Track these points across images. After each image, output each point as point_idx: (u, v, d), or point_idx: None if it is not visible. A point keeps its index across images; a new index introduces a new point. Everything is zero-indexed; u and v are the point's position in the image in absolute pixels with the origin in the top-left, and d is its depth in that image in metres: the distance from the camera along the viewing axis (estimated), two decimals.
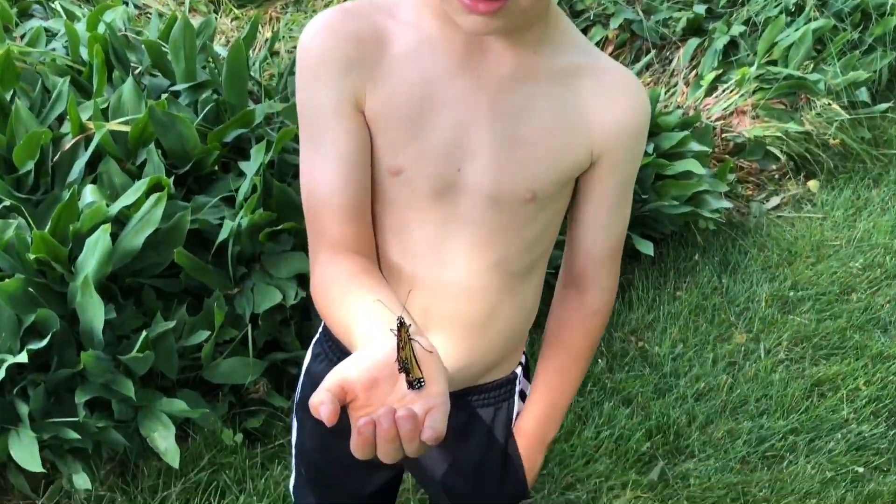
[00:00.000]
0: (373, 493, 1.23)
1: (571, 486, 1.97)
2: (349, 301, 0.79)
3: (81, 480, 1.77)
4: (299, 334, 2.11)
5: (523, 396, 1.14)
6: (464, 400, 1.08)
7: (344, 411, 0.64)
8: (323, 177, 0.87)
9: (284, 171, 2.24)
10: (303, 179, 0.90)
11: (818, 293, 2.76)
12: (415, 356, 0.68)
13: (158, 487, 1.87)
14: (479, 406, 1.09)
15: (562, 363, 1.07)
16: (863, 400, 2.30)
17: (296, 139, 2.27)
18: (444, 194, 0.89)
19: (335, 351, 1.11)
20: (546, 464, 1.98)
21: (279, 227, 1.96)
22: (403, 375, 0.66)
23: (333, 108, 0.86)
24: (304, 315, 2.14)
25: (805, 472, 2.06)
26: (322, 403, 0.60)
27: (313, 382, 1.14)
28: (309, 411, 0.61)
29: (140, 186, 1.95)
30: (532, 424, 1.10)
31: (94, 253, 1.80)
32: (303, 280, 2.06)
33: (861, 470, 2.08)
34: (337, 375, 0.64)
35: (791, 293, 2.74)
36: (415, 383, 0.65)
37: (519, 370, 1.13)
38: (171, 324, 1.86)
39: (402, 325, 0.70)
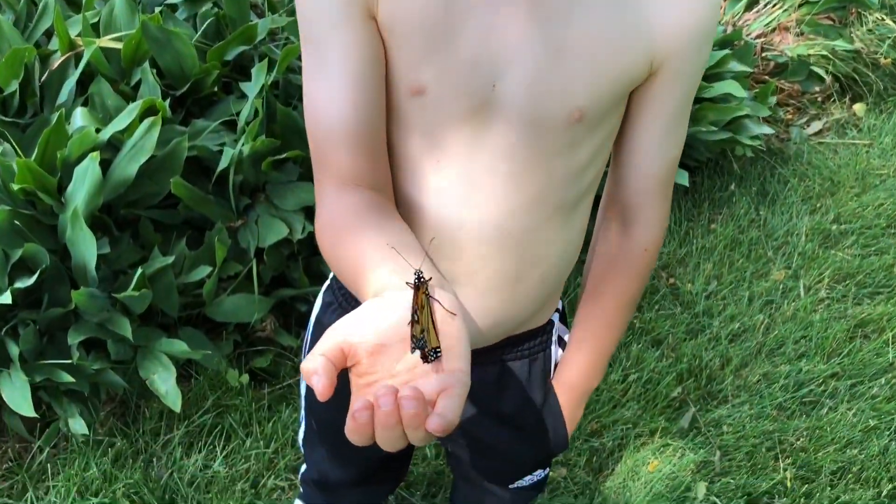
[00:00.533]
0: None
1: (596, 433, 1.87)
2: (358, 243, 0.68)
3: (78, 425, 1.69)
4: (308, 270, 1.99)
5: (562, 343, 1.02)
6: (494, 354, 0.96)
7: (345, 375, 0.55)
8: (327, 99, 0.73)
9: (290, 92, 2.08)
10: (306, 102, 0.76)
11: (863, 227, 2.60)
12: (433, 320, 0.56)
13: (161, 430, 1.79)
14: (511, 359, 0.98)
15: (607, 308, 0.95)
16: None
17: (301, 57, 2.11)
18: (475, 117, 0.76)
19: (348, 300, 0.99)
20: None
21: (284, 156, 1.82)
22: (413, 343, 0.56)
23: (338, 15, 0.71)
24: (312, 249, 2.02)
25: (846, 419, 1.95)
26: (315, 373, 0.51)
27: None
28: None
29: (133, 110, 1.80)
30: (575, 375, 0.99)
31: (83, 182, 1.68)
32: (310, 212, 1.93)
33: None
34: (337, 336, 0.54)
35: (833, 227, 2.58)
36: (430, 354, 0.54)
37: (556, 316, 1.01)
38: (170, 259, 1.74)
39: (419, 282, 0.58)
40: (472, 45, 0.71)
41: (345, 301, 1.00)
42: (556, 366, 1.02)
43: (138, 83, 2.00)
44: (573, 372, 0.99)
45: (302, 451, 1.25)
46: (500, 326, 0.91)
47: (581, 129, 0.77)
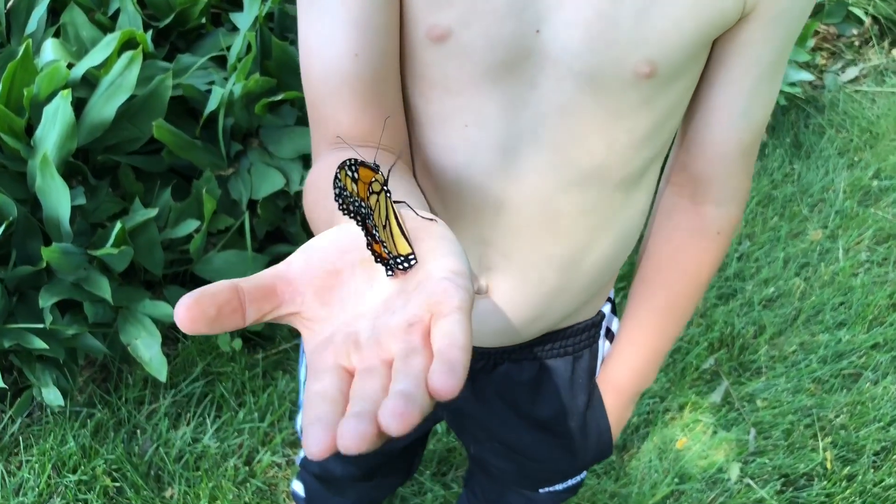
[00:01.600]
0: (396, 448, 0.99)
1: None
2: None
3: (52, 395, 1.55)
4: (305, 223, 1.84)
5: (610, 336, 0.88)
6: (532, 351, 0.82)
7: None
8: (322, 43, 0.59)
9: (286, 25, 1.90)
10: (300, 44, 0.61)
11: None
12: (400, 222, 0.41)
13: (145, 399, 1.65)
14: (553, 357, 0.83)
15: (669, 299, 0.80)
16: None
17: None
18: (514, 69, 0.60)
19: None
20: None
21: (280, 98, 1.64)
22: (374, 255, 0.39)
23: None
24: None
25: (889, 394, 1.82)
26: (184, 306, 0.35)
27: None
28: None
29: (110, 42, 1.62)
30: (625, 375, 0.85)
31: (54, 124, 1.51)
32: (309, 161, 1.77)
33: None
34: (267, 271, 0.39)
35: (874, 182, 2.42)
36: (397, 262, 0.39)
37: (607, 306, 0.86)
38: (154, 211, 1.58)
39: (375, 177, 0.41)
40: None
41: None
42: (602, 362, 0.88)
43: (117, 12, 1.82)
44: (622, 371, 0.85)
45: (299, 435, 1.12)
46: (542, 321, 0.76)
47: (651, 85, 0.61)
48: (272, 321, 0.39)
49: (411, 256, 0.39)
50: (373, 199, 0.41)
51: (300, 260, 0.40)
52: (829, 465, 1.67)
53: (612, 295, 0.89)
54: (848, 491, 1.61)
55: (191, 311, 0.35)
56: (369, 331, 0.36)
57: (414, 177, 0.66)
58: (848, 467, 1.67)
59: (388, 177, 0.42)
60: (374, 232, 0.39)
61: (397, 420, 0.29)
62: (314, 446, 0.30)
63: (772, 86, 0.67)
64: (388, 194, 0.42)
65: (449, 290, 0.35)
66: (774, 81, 0.67)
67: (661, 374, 1.81)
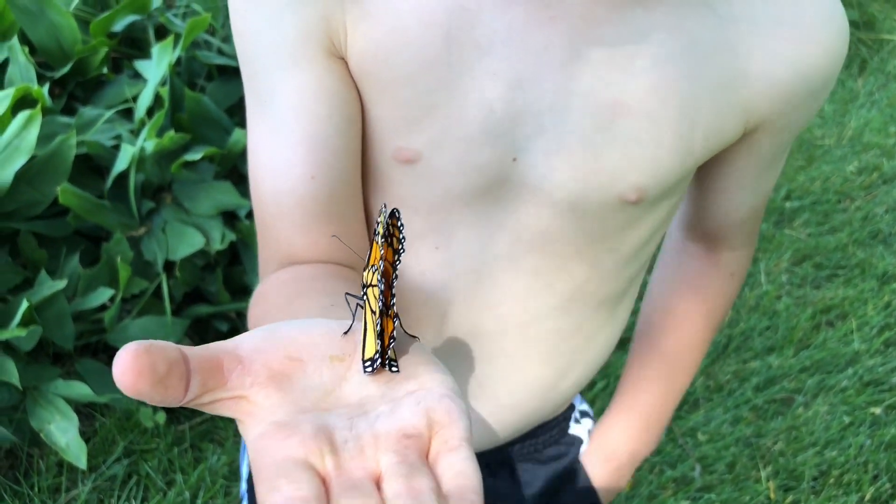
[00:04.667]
0: None
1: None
2: (292, 310, 0.47)
3: None
4: (228, 281, 1.77)
5: (586, 415, 0.87)
6: (501, 453, 0.80)
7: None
8: (274, 162, 0.54)
9: (195, 71, 1.83)
10: (250, 159, 0.57)
11: (813, 202, 2.57)
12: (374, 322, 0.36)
13: (62, 486, 1.55)
14: (523, 459, 0.81)
15: (677, 349, 0.77)
16: (873, 329, 2.15)
17: (211, 31, 1.85)
18: (489, 195, 0.57)
19: None
20: None
21: (199, 157, 1.57)
22: (361, 356, 0.35)
23: (288, 52, 0.52)
24: (232, 258, 1.79)
25: (820, 416, 1.90)
26: (130, 355, 0.28)
27: None
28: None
29: (3, 99, 1.52)
30: (620, 441, 0.81)
31: None
32: (230, 218, 1.71)
33: (878, 411, 1.94)
34: (212, 345, 0.33)
35: (786, 203, 2.54)
36: (389, 361, 0.35)
37: (577, 398, 0.85)
38: (62, 283, 1.49)
39: (392, 219, 0.37)
40: (485, 100, 0.52)
41: None
42: (588, 434, 0.87)
43: (6, 63, 1.71)
44: (617, 436, 0.81)
45: None
46: (516, 433, 0.75)
47: (636, 211, 0.59)
48: (208, 405, 0.32)
49: (395, 363, 0.35)
50: (368, 292, 0.37)
51: (255, 339, 0.34)
52: (772, 496, 1.73)
53: None
54: None
55: (139, 362, 0.28)
56: (346, 430, 0.31)
57: None
58: (790, 495, 1.73)
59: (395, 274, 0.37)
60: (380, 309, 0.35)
61: None
62: None
63: (779, 165, 0.67)
64: (390, 288, 0.37)
65: (453, 412, 0.32)
66: (781, 161, 0.67)
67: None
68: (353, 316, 0.37)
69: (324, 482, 0.29)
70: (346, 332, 0.36)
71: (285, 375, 0.33)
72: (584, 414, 0.88)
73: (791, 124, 0.60)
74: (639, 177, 0.56)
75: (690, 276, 0.76)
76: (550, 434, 0.82)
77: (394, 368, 0.35)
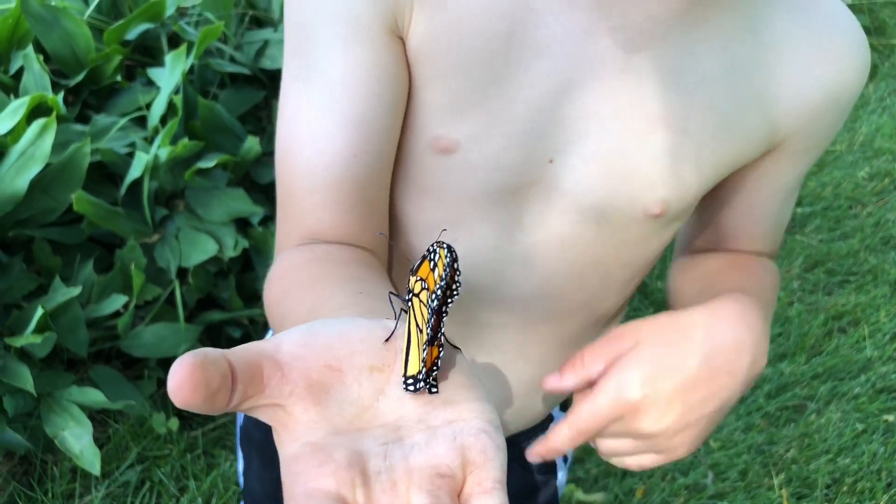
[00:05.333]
0: None
1: (578, 460, 1.75)
2: (320, 293, 0.47)
3: None
4: (240, 287, 1.78)
5: None
6: None
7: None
8: (315, 135, 0.54)
9: (208, 79, 1.84)
10: (280, 126, 0.57)
11: (825, 208, 2.57)
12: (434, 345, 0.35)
13: (75, 492, 1.56)
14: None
15: (755, 280, 0.65)
16: (885, 336, 2.14)
17: (223, 39, 1.87)
18: (518, 194, 0.58)
19: None
20: None
21: (213, 165, 1.58)
22: (403, 367, 0.34)
23: (350, 23, 0.52)
24: (245, 265, 1.80)
25: (832, 424, 1.90)
26: (186, 368, 0.29)
27: None
28: (255, 445, 0.40)
29: (18, 108, 1.54)
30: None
31: None
32: (243, 225, 1.72)
33: (891, 419, 1.94)
34: (255, 347, 0.32)
35: (797, 209, 2.53)
36: (430, 384, 0.34)
37: (556, 409, 0.86)
38: (76, 290, 1.50)
39: (447, 248, 0.36)
40: (532, 101, 0.53)
41: None
42: (564, 460, 0.87)
43: (20, 71, 1.72)
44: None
45: None
46: (505, 431, 0.76)
47: (655, 224, 0.60)
48: (248, 411, 0.32)
49: (435, 384, 0.34)
50: (414, 301, 0.36)
51: (296, 343, 0.33)
52: (785, 503, 1.73)
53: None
54: None
55: (194, 378, 0.28)
56: (380, 459, 0.31)
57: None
58: (804, 503, 1.73)
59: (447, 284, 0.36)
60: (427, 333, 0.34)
61: None
62: None
63: (794, 196, 0.68)
64: (435, 304, 0.35)
65: (489, 451, 0.32)
66: (796, 192, 0.67)
67: None
68: (397, 320, 0.37)
69: None
70: (387, 340, 0.35)
71: (324, 386, 0.33)
72: None
73: (810, 147, 0.61)
74: (665, 191, 0.57)
75: (718, 258, 0.69)
76: (529, 442, 0.83)
77: (434, 390, 0.34)
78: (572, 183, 0.57)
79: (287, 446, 0.32)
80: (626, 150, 0.55)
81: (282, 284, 0.52)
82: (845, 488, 1.77)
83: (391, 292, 0.40)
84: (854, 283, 2.32)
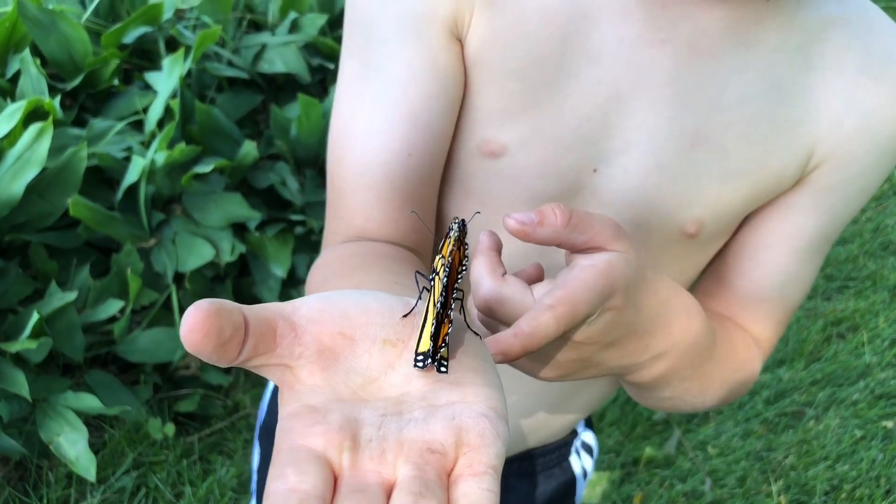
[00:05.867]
0: None
1: None
2: (355, 280, 0.48)
3: None
4: (237, 292, 1.78)
5: (588, 450, 0.86)
6: None
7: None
8: (371, 133, 0.55)
9: (205, 83, 1.84)
10: (334, 126, 0.57)
11: None
12: (448, 323, 0.35)
13: (70, 498, 1.55)
14: (515, 475, 0.81)
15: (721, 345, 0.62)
16: (884, 341, 2.14)
17: (221, 43, 1.86)
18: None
19: None
20: None
21: (210, 169, 1.58)
22: (415, 346, 0.34)
23: (409, 22, 0.53)
24: (241, 268, 1.80)
25: (831, 430, 1.89)
26: (201, 313, 0.28)
27: None
28: (274, 441, 0.31)
29: (15, 112, 1.53)
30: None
31: None
32: (240, 230, 1.71)
33: (890, 425, 1.93)
34: (269, 306, 0.32)
35: None
36: (438, 362, 0.34)
37: (581, 424, 0.85)
38: (72, 295, 1.50)
39: (462, 226, 0.38)
40: (582, 107, 0.53)
41: None
42: (584, 475, 0.86)
43: (17, 75, 1.72)
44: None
45: None
46: (514, 448, 0.75)
47: (690, 245, 0.59)
48: (256, 368, 0.32)
49: (445, 363, 0.34)
50: (436, 280, 0.36)
51: (313, 307, 0.33)
52: None
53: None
54: None
55: (207, 323, 0.28)
56: (374, 428, 0.31)
57: None
58: None
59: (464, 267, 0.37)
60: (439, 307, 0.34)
61: None
62: None
63: (822, 254, 0.62)
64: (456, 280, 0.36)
65: (486, 435, 0.31)
66: (826, 249, 0.62)
67: (613, 429, 1.83)
68: (419, 296, 0.36)
69: (335, 478, 0.29)
70: (405, 316, 0.35)
71: (334, 353, 0.33)
72: (587, 448, 0.87)
73: (839, 183, 0.58)
74: (702, 210, 0.57)
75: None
76: (550, 457, 0.82)
77: (443, 369, 0.34)
78: (614, 194, 0.56)
79: (287, 406, 0.32)
80: (667, 165, 0.55)
81: (323, 273, 0.53)
82: (844, 495, 1.77)
83: (417, 271, 0.40)
84: (853, 288, 2.32)
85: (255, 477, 0.96)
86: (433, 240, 0.61)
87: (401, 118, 0.54)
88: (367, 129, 0.55)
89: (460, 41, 0.53)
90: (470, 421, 0.31)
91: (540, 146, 0.55)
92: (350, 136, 0.55)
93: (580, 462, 0.85)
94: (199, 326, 0.28)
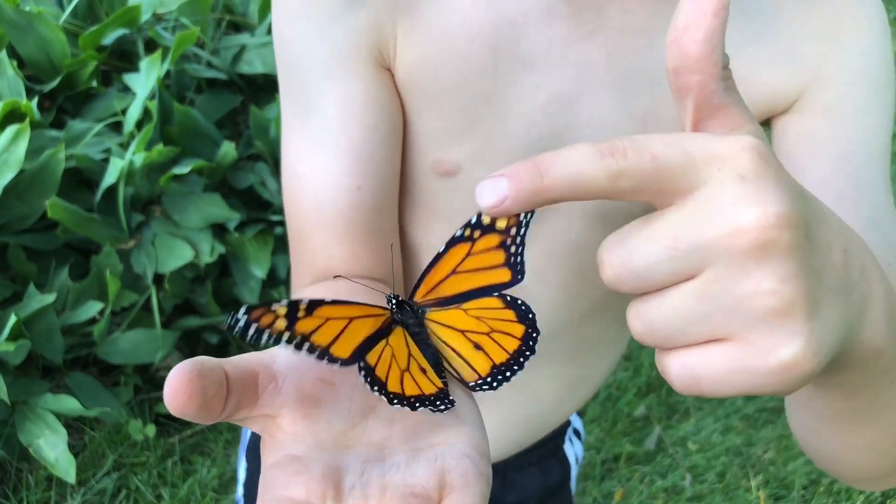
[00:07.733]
0: None
1: None
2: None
3: None
4: (217, 293, 1.78)
5: (579, 436, 0.88)
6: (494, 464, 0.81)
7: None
8: (317, 172, 0.55)
9: (184, 84, 1.85)
10: (284, 170, 0.58)
11: None
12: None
13: (50, 500, 1.55)
14: (516, 469, 0.83)
15: None
16: None
17: (200, 44, 1.87)
18: None
19: None
20: None
21: (189, 170, 1.59)
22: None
23: (336, 60, 0.53)
24: (222, 269, 1.80)
25: None
26: (185, 377, 0.29)
27: None
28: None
29: None
30: None
31: None
32: (220, 231, 1.72)
33: None
34: (248, 356, 0.33)
35: None
36: (440, 401, 0.34)
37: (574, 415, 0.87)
38: (51, 297, 1.50)
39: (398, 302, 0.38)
40: (528, 113, 0.54)
41: None
42: (576, 461, 0.88)
43: None
44: None
45: None
46: (518, 448, 0.76)
47: None
48: (240, 421, 0.32)
49: (449, 397, 0.34)
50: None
51: (291, 355, 0.33)
52: None
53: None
54: None
55: (191, 386, 0.29)
56: (357, 475, 0.31)
57: None
58: None
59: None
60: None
61: None
62: None
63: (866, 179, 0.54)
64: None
65: (469, 475, 0.31)
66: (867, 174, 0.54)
67: (594, 425, 1.84)
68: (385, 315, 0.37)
69: None
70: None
71: (315, 399, 0.33)
72: (577, 434, 0.89)
73: (853, 92, 0.54)
74: None
75: None
76: (545, 448, 0.83)
77: (441, 405, 0.35)
78: None
79: (269, 457, 0.32)
80: None
81: None
82: (822, 489, 1.79)
83: (388, 295, 0.40)
84: None
85: (240, 490, 0.95)
86: (400, 268, 0.61)
87: (343, 153, 0.54)
88: (314, 170, 0.55)
89: (389, 70, 0.54)
90: (452, 462, 0.32)
91: (493, 158, 0.55)
92: (299, 178, 0.56)
93: (573, 449, 0.87)
94: (182, 389, 0.29)
